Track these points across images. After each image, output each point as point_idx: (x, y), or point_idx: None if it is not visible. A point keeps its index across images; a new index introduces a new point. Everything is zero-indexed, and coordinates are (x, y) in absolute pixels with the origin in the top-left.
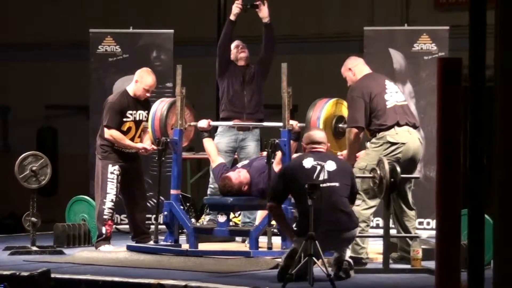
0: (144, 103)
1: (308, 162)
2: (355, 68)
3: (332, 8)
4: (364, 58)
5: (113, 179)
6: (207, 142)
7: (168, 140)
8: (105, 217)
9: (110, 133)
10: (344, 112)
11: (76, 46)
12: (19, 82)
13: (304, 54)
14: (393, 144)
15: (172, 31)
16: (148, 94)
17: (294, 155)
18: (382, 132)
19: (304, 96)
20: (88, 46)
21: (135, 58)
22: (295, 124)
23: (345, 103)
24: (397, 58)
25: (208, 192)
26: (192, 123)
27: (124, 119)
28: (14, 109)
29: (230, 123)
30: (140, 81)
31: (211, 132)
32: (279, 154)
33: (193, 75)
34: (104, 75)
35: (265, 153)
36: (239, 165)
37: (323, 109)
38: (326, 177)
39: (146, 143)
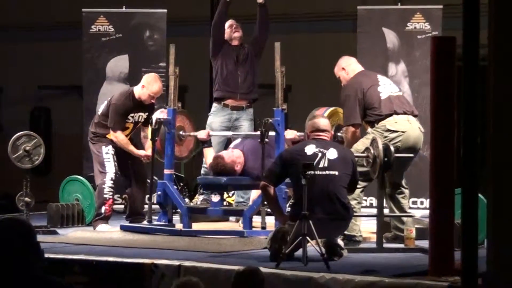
0: (147, 106)
1: (310, 149)
2: (349, 67)
3: None
4: (357, 38)
5: (109, 158)
6: (207, 151)
7: (162, 120)
8: (105, 195)
9: (116, 135)
10: (342, 120)
11: (69, 26)
12: (11, 63)
13: (297, 33)
14: (393, 132)
15: (165, 10)
16: (153, 101)
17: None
18: (381, 122)
19: (298, 75)
20: (81, 26)
21: (128, 37)
22: (295, 134)
23: (341, 111)
24: (391, 37)
25: (202, 171)
26: (192, 134)
27: (125, 120)
28: (7, 89)
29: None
30: (146, 87)
31: (210, 142)
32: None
33: (186, 55)
34: (97, 55)
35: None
36: (232, 145)
37: None
38: (326, 165)
39: (148, 151)
